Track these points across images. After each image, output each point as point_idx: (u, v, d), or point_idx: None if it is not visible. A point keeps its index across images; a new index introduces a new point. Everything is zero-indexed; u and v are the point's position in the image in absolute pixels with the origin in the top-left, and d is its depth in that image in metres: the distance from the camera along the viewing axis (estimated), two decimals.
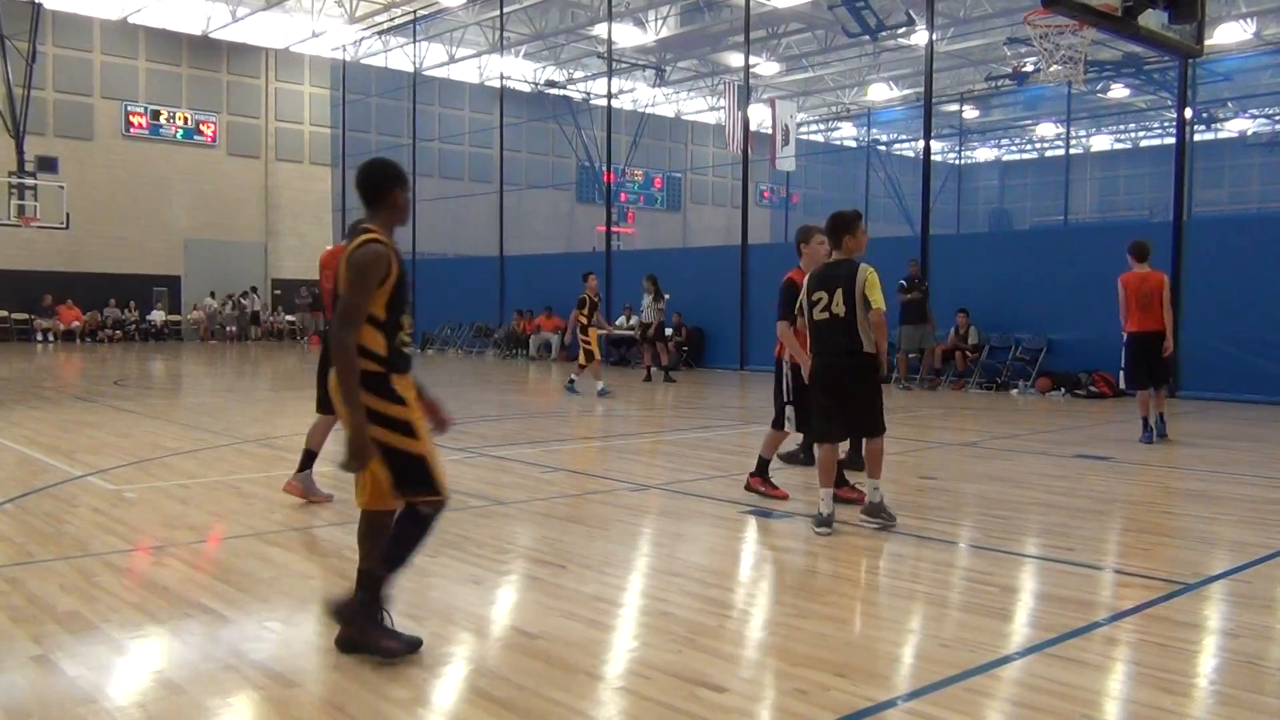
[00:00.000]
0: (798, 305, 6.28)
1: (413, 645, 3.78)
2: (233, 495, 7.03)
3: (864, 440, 6.21)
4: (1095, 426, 11.32)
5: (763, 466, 7.02)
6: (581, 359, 14.88)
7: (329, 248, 7.04)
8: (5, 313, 29.45)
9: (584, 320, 14.77)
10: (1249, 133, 38.34)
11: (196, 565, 5.12)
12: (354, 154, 32.55)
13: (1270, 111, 36.82)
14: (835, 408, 5.99)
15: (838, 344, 5.92)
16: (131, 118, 31.65)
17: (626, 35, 31.01)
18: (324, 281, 6.41)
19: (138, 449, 9.11)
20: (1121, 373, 10.16)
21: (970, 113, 40.11)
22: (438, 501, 3.77)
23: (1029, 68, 29.23)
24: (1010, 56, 31.05)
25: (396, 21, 31.73)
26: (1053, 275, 15.89)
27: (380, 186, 3.79)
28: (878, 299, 5.88)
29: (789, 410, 6.84)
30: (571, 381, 15.07)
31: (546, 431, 11.28)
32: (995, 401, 14.65)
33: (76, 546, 5.42)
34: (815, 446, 6.38)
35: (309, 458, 6.66)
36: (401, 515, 3.84)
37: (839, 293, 5.88)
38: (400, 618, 4.28)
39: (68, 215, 26.85)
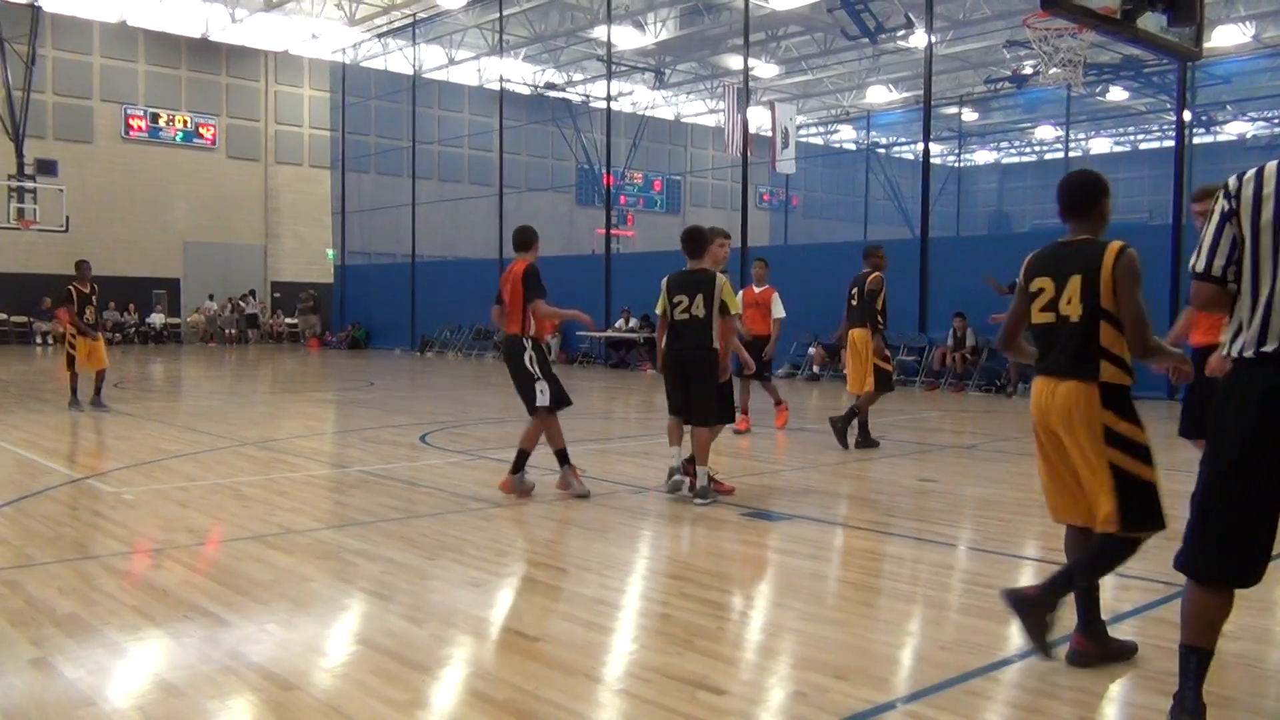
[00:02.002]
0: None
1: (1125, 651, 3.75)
2: (232, 498, 7.03)
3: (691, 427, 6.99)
4: None
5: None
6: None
7: (520, 261, 7.11)
8: (4, 316, 29.45)
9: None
10: (1248, 135, 38.35)
11: (195, 568, 5.12)
12: (353, 156, 32.60)
13: (1269, 114, 36.82)
14: (684, 394, 6.97)
15: (693, 340, 6.89)
16: (131, 120, 31.65)
17: (626, 38, 31.01)
18: (504, 293, 7.07)
19: (137, 451, 9.11)
20: None
21: (969, 115, 40.11)
22: (1157, 531, 3.65)
23: (1028, 70, 29.21)
24: (1009, 59, 31.07)
25: (396, 24, 31.75)
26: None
27: (1092, 196, 3.97)
28: (735, 305, 7.07)
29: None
30: None
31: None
32: (995, 404, 14.66)
33: (75, 549, 5.41)
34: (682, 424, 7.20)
35: (522, 458, 6.98)
36: (1112, 538, 3.69)
37: (699, 297, 6.87)
38: (399, 620, 4.29)
39: (67, 218, 26.84)
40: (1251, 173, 2.98)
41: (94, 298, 13.04)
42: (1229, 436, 2.92)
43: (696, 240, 7.08)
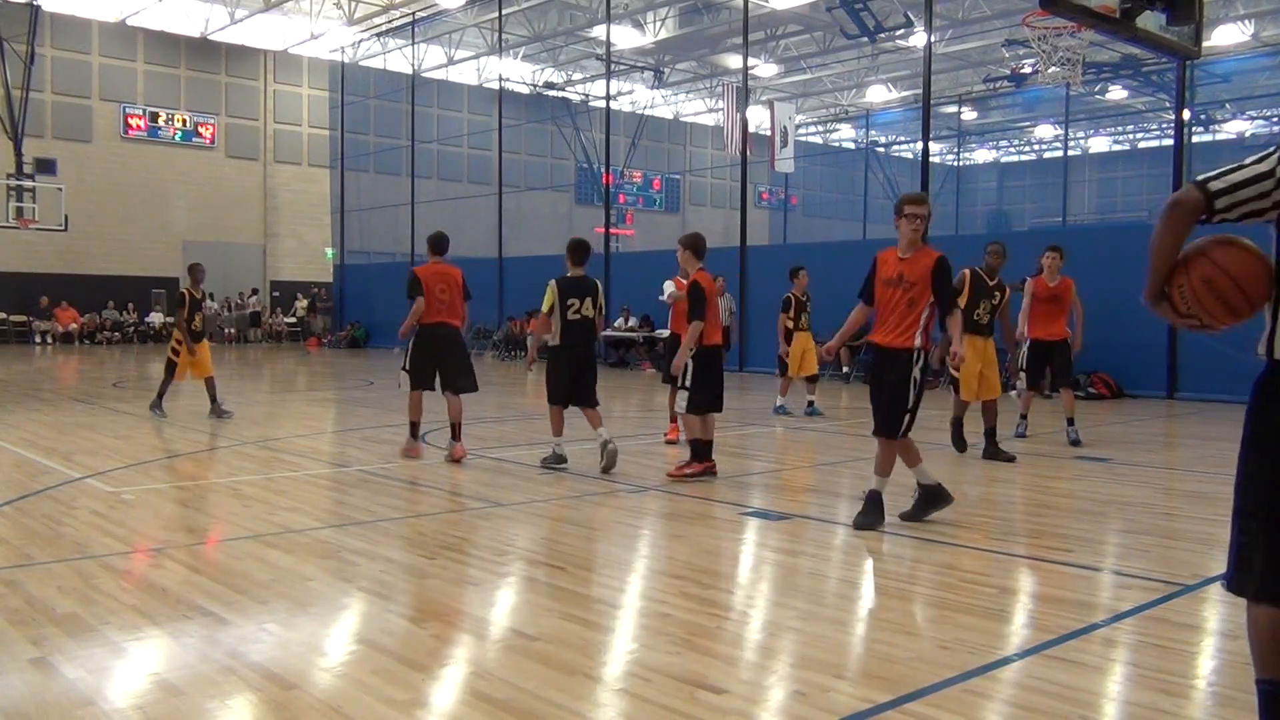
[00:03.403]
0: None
1: None
2: (231, 497, 7.03)
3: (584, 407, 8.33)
4: (1094, 428, 11.31)
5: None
6: (792, 370, 12.70)
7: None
8: (3, 315, 29.41)
9: (789, 325, 12.65)
10: (1247, 134, 38.33)
11: (195, 567, 5.12)
12: (352, 156, 32.59)
13: (1268, 113, 36.83)
14: (573, 384, 8.24)
15: (585, 338, 8.26)
16: (130, 120, 31.63)
17: (625, 37, 31.01)
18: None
19: (136, 451, 9.11)
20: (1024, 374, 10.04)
21: (969, 114, 40.12)
22: None
23: (1027, 69, 29.20)
24: (1009, 58, 31.04)
25: (395, 23, 31.73)
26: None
27: None
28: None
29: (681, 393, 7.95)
30: (810, 404, 12.79)
31: (545, 433, 11.26)
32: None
33: (75, 549, 5.41)
34: (552, 408, 8.36)
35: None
36: None
37: (588, 300, 8.19)
38: (399, 619, 4.29)
39: (66, 217, 26.82)
40: None
41: (203, 303, 12.25)
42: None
43: (586, 250, 8.44)
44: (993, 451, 8.97)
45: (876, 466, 6.21)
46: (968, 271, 9.04)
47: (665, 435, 10.13)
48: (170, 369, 11.95)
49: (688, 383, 7.85)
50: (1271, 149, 2.72)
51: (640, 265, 23.97)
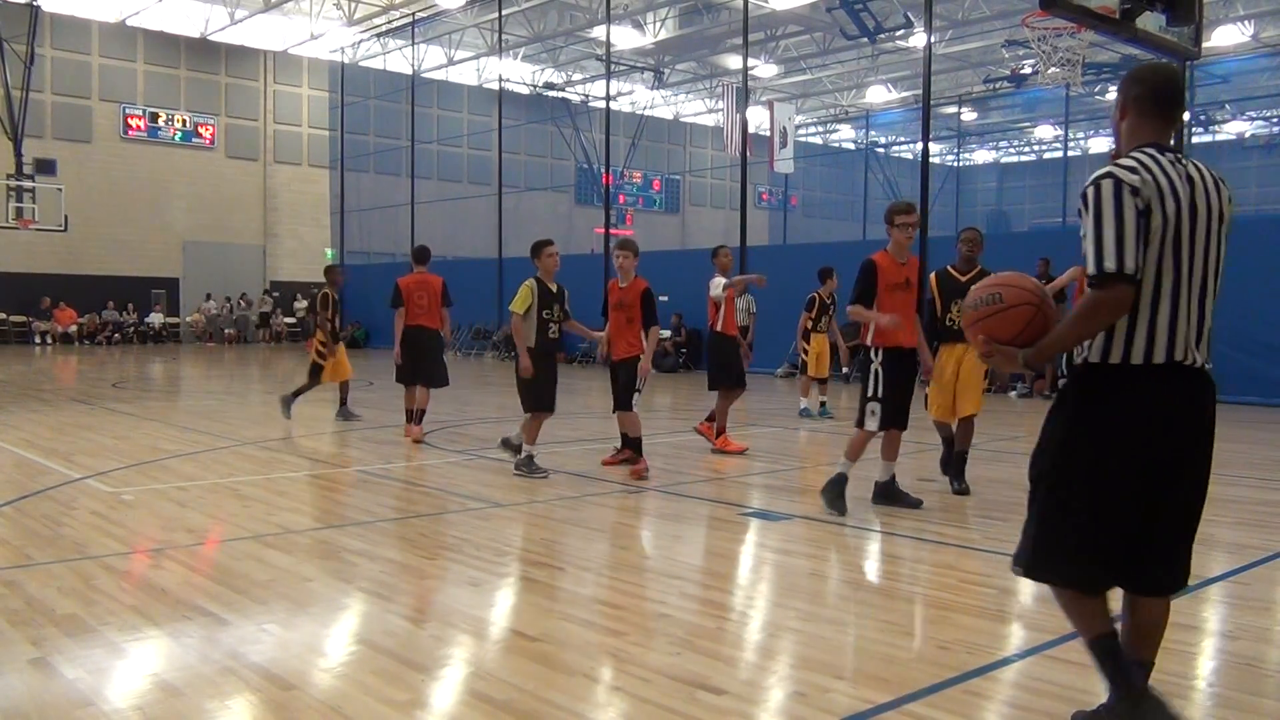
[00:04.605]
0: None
1: None
2: (231, 498, 7.03)
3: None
4: None
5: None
6: (812, 370, 12.61)
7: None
8: (3, 315, 29.42)
9: (809, 325, 12.63)
10: (1247, 135, 38.37)
11: (195, 568, 5.12)
12: (352, 156, 32.58)
13: (1268, 114, 36.84)
14: (550, 387, 8.02)
15: (558, 342, 8.15)
16: (130, 120, 31.63)
17: (625, 37, 31.00)
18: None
19: (136, 451, 9.11)
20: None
21: (968, 115, 40.13)
22: None
23: (1027, 70, 29.22)
24: (1009, 59, 31.05)
25: (395, 24, 31.74)
26: (1051, 277, 15.89)
27: None
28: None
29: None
30: (823, 405, 12.78)
31: (544, 434, 11.26)
32: (993, 403, 14.65)
33: (75, 549, 5.41)
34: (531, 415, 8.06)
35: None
36: None
37: (556, 306, 8.05)
38: (399, 620, 4.29)
39: (66, 217, 26.82)
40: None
41: (341, 304, 12.00)
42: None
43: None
44: (957, 470, 7.46)
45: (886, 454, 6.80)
46: (934, 275, 7.80)
47: (714, 443, 9.60)
48: (315, 372, 11.55)
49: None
50: (1101, 181, 2.80)
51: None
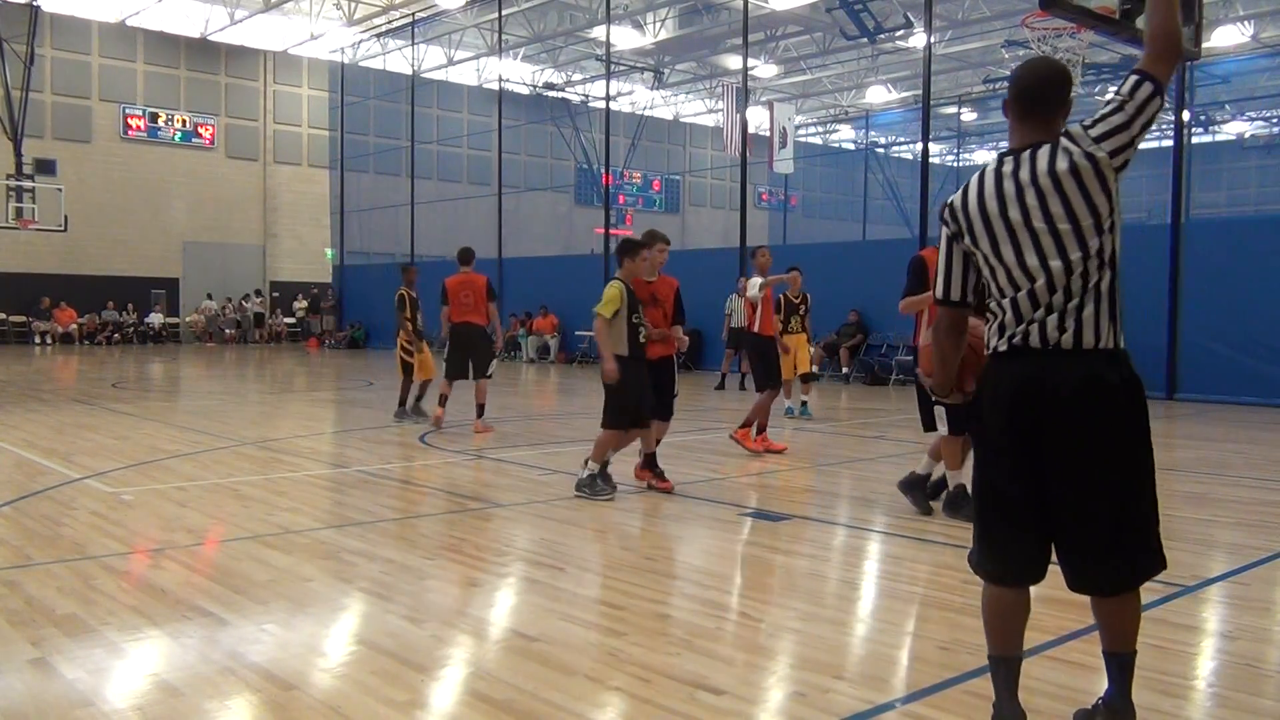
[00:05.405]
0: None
1: None
2: (231, 498, 7.02)
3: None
4: None
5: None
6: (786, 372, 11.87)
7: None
8: (3, 315, 29.41)
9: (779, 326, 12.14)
10: (1246, 135, 38.36)
11: (194, 568, 5.12)
12: (352, 156, 32.57)
13: (1268, 114, 36.84)
14: (645, 395, 7.15)
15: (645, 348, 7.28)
16: (130, 120, 31.61)
17: (625, 38, 30.99)
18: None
19: (136, 451, 9.11)
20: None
21: (968, 115, 40.14)
22: None
23: None
24: (1008, 59, 31.00)
25: (395, 24, 31.72)
26: None
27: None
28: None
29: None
30: (804, 404, 12.82)
31: (544, 434, 11.28)
32: None
33: (74, 549, 5.41)
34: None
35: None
36: None
37: (643, 309, 7.28)
38: (399, 620, 4.28)
39: (65, 218, 26.80)
40: None
41: (419, 302, 12.06)
42: None
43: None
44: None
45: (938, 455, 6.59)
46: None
47: (748, 446, 9.46)
48: (408, 371, 11.60)
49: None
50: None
51: None
